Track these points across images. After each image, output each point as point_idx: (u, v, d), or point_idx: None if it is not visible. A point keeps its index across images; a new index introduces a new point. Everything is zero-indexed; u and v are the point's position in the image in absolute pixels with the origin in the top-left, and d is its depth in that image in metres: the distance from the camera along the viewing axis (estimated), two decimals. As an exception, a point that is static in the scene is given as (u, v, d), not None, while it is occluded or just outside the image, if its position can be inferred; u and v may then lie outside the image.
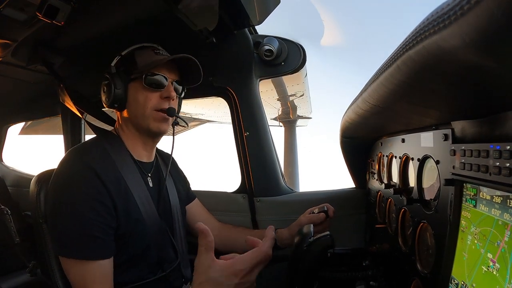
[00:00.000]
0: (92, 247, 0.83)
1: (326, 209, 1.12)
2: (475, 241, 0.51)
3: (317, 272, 0.88)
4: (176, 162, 1.29)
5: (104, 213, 0.85)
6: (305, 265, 0.85)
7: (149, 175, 1.05)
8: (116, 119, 1.07)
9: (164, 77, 0.97)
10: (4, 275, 1.62)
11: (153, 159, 1.10)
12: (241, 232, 1.28)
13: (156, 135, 1.03)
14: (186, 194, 1.26)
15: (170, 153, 1.18)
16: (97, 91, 1.04)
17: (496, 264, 0.45)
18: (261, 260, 0.70)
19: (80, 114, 1.16)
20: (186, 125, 1.10)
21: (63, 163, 0.91)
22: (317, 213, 1.13)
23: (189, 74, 1.05)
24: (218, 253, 1.29)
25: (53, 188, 0.89)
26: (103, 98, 0.99)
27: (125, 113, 1.01)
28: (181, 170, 1.30)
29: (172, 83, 1.00)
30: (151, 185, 1.04)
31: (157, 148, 1.18)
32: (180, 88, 1.05)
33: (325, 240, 0.84)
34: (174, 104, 1.00)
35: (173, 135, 1.10)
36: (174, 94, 0.98)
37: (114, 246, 0.88)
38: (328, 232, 0.86)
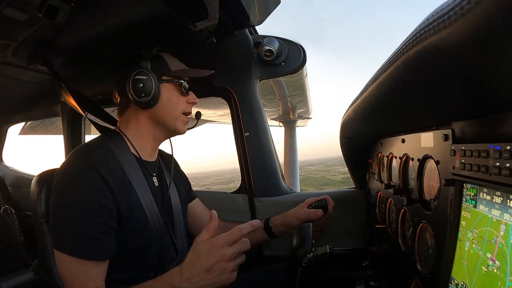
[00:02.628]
0: (90, 248, 0.83)
1: (325, 203, 1.13)
2: (473, 245, 0.52)
3: (317, 277, 0.89)
4: (177, 162, 1.30)
5: (105, 214, 0.85)
6: (304, 280, 0.86)
7: (154, 174, 1.06)
8: (125, 115, 1.05)
9: (190, 84, 1.05)
10: (7, 274, 1.63)
11: (156, 159, 1.10)
12: None
13: (176, 135, 1.10)
14: (187, 193, 1.26)
15: (171, 153, 1.19)
16: (98, 91, 1.04)
17: (496, 262, 0.46)
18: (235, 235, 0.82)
19: (81, 113, 1.16)
20: (195, 123, 1.17)
21: (67, 163, 0.91)
22: (316, 205, 1.13)
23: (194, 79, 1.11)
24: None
25: (56, 187, 0.89)
26: (136, 93, 0.97)
27: (148, 111, 1.01)
28: (182, 170, 1.31)
29: None
30: (157, 184, 1.05)
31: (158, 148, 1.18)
32: None
33: (323, 258, 0.84)
34: None
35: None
36: (197, 100, 1.07)
37: (115, 247, 0.88)
38: (327, 249, 0.86)
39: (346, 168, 1.40)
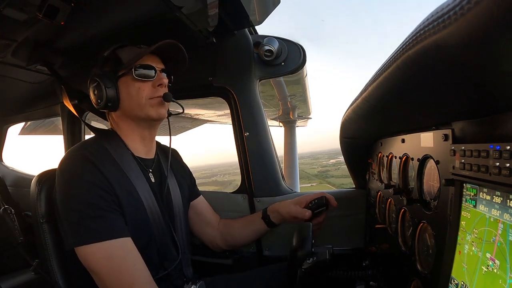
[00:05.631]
0: (108, 227, 0.85)
1: (325, 201, 1.13)
2: (472, 248, 0.52)
3: (317, 278, 0.89)
4: (180, 156, 1.29)
5: (109, 199, 0.87)
6: (304, 281, 0.86)
7: (150, 170, 1.05)
8: (111, 120, 1.06)
9: (152, 66, 0.98)
10: (7, 274, 1.63)
11: (153, 156, 1.10)
12: (240, 222, 1.29)
13: (155, 122, 1.04)
14: (191, 190, 1.25)
15: (169, 147, 1.17)
16: None
17: (496, 261, 0.46)
18: None
19: (79, 114, 1.16)
20: (182, 110, 1.11)
21: (63, 161, 0.92)
22: (316, 203, 1.13)
23: (174, 62, 1.05)
24: (220, 249, 1.30)
25: (58, 186, 0.91)
26: (94, 101, 0.99)
27: (119, 111, 1.00)
28: (186, 166, 1.29)
29: (160, 72, 1.01)
30: (153, 180, 1.04)
31: (158, 142, 1.17)
32: (167, 77, 1.04)
33: (323, 262, 0.84)
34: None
35: (169, 126, 1.12)
36: (166, 80, 0.99)
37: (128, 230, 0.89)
38: (327, 254, 0.86)
39: (329, 162, 1.40)
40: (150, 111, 0.98)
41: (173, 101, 1.01)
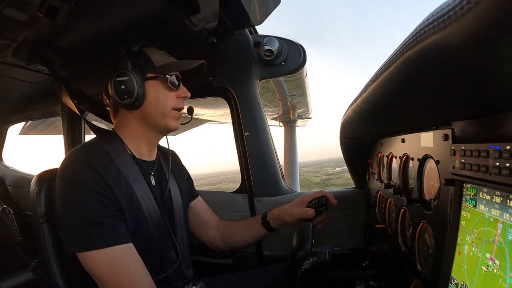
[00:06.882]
0: (110, 234, 0.85)
1: (325, 200, 1.13)
2: (472, 248, 0.52)
3: (317, 278, 0.89)
4: (179, 158, 1.29)
5: (111, 205, 0.87)
6: (304, 282, 0.86)
7: (152, 173, 1.05)
8: (117, 117, 1.04)
9: (179, 77, 1.01)
10: (5, 274, 1.63)
11: (155, 158, 1.10)
12: (240, 225, 1.29)
13: (169, 133, 1.07)
14: (189, 192, 1.25)
15: (168, 150, 1.18)
16: (99, 90, 1.04)
17: (496, 261, 0.46)
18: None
19: (80, 113, 1.16)
20: (190, 119, 1.15)
21: (64, 164, 0.91)
22: (316, 203, 1.13)
23: (188, 74, 1.06)
24: (219, 250, 1.30)
25: (58, 189, 0.90)
26: (118, 95, 0.96)
27: (137, 112, 0.99)
28: (184, 167, 1.29)
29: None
30: (153, 183, 1.04)
31: (158, 145, 1.18)
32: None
33: (323, 262, 0.84)
34: None
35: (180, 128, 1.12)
36: (189, 94, 1.04)
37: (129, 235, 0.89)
38: (327, 255, 0.85)
39: (334, 170, 1.40)
40: (170, 122, 1.01)
41: (201, 120, 1.06)
